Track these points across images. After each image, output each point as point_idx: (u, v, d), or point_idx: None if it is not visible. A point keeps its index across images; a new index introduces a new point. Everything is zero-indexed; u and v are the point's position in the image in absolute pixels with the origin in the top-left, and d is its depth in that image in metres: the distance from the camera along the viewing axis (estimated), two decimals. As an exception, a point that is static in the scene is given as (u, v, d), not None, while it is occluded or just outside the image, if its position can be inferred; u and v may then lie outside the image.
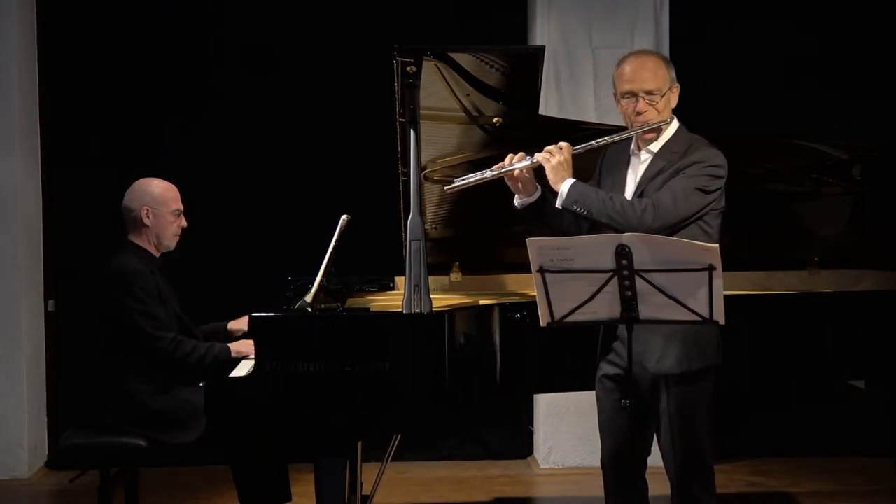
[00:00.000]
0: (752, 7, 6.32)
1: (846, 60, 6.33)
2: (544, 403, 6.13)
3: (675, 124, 3.81)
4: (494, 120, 4.17)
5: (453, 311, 3.82)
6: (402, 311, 3.69)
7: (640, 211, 3.63)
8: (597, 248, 3.34)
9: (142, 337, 4.31)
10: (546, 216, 3.83)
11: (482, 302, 4.13)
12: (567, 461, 6.13)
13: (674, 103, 3.81)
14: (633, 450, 3.79)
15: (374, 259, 4.49)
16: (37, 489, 5.88)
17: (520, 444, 6.40)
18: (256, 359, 3.68)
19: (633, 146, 3.86)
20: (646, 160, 3.81)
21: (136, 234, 4.49)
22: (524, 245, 3.38)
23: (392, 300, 4.36)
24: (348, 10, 6.20)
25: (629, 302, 3.38)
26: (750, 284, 4.65)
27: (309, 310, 3.91)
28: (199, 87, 6.23)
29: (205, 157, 6.13)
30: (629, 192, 3.80)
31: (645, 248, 3.30)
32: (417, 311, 3.67)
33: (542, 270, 3.37)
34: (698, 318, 3.35)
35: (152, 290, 4.37)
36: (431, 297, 3.70)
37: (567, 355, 4.07)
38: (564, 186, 3.69)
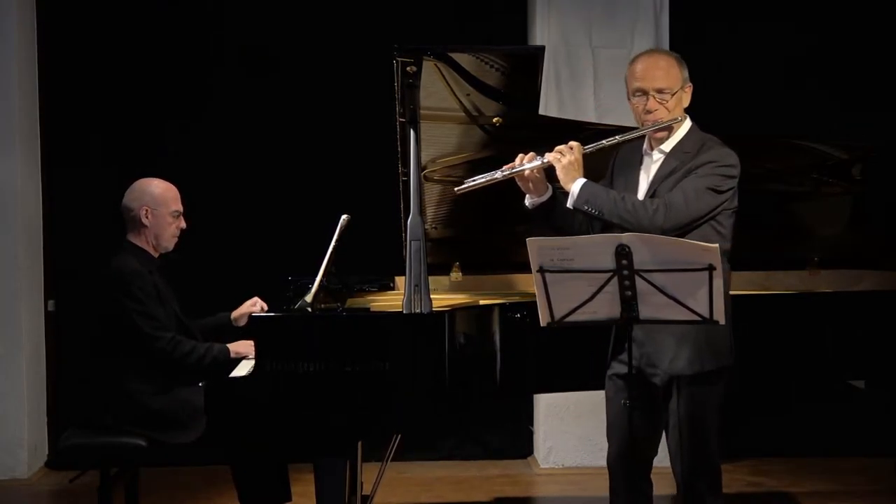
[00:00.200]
0: (752, 7, 6.32)
1: (846, 60, 6.32)
2: (544, 403, 6.12)
3: (687, 123, 3.79)
4: (494, 120, 4.17)
5: (453, 310, 3.82)
6: (402, 311, 3.70)
7: (651, 211, 3.61)
8: (597, 248, 3.34)
9: (140, 337, 4.31)
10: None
11: (482, 302, 4.13)
12: (567, 461, 6.12)
13: (686, 103, 3.79)
14: (640, 449, 3.77)
15: (374, 259, 4.49)
16: (37, 489, 5.88)
17: (520, 444, 6.39)
18: (256, 359, 3.68)
19: (645, 146, 3.84)
20: (658, 160, 3.79)
21: (134, 234, 4.49)
22: (524, 245, 3.38)
23: (392, 300, 4.36)
24: (348, 11, 6.20)
25: (629, 302, 3.38)
26: (750, 284, 4.65)
27: (309, 310, 3.91)
28: (198, 87, 6.23)
29: (204, 157, 6.13)
30: (642, 192, 3.78)
31: (645, 248, 3.30)
32: (417, 311, 3.67)
33: (542, 270, 3.37)
34: (698, 318, 3.35)
35: (151, 290, 4.36)
36: (431, 297, 3.70)
37: (567, 355, 4.07)
38: (575, 186, 3.66)
